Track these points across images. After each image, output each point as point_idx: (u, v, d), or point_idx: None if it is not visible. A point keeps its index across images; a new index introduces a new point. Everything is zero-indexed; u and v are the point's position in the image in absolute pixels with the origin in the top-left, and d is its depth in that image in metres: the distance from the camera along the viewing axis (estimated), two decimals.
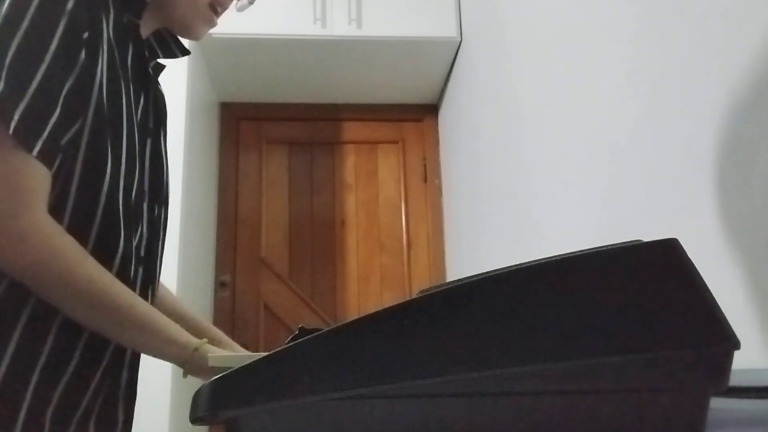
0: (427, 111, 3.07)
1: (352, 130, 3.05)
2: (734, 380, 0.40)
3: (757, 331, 0.80)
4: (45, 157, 0.70)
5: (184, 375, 0.79)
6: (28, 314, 0.73)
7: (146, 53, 0.90)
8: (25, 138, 0.68)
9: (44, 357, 0.73)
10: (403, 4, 2.56)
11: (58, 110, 0.71)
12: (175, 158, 2.21)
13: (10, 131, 0.67)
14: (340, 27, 2.51)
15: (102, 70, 0.77)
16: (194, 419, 0.40)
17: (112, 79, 0.79)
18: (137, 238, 0.84)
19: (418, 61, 2.69)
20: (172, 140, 2.28)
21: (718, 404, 0.41)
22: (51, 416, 0.73)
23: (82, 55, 0.74)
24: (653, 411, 0.39)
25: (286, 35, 2.46)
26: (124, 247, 0.79)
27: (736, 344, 0.38)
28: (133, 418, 0.87)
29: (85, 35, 0.75)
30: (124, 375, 0.84)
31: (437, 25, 2.55)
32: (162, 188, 0.92)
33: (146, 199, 0.87)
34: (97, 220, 0.77)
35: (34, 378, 0.72)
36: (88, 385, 0.77)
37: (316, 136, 3.03)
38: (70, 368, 0.75)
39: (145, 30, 0.91)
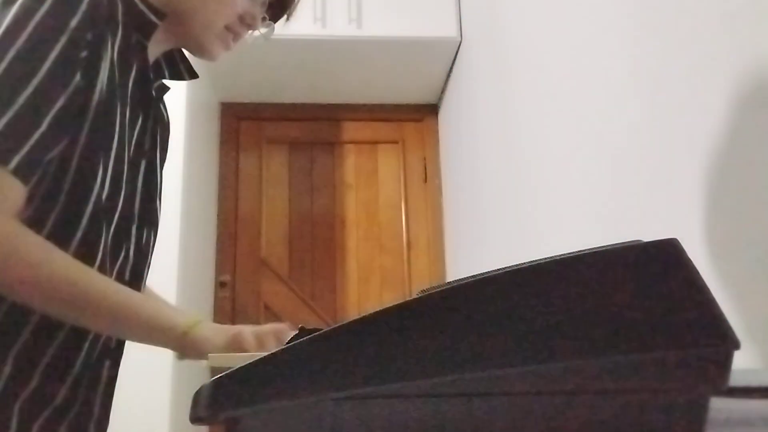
0: (427, 111, 3.07)
1: (352, 130, 3.05)
2: (734, 380, 0.40)
3: (757, 331, 0.80)
4: (22, 173, 0.70)
5: (179, 357, 0.78)
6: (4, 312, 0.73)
7: (150, 75, 0.89)
8: (2, 154, 0.68)
9: (18, 346, 0.73)
10: (403, 4, 2.56)
11: (43, 128, 0.71)
12: (175, 158, 2.22)
13: None
14: (340, 27, 2.51)
15: (102, 88, 0.77)
16: (194, 419, 0.40)
17: (110, 98, 0.79)
18: (121, 260, 0.84)
19: (418, 61, 2.69)
20: (172, 140, 2.29)
21: (718, 404, 0.41)
22: (19, 410, 0.73)
23: (78, 75, 0.74)
24: (653, 411, 0.39)
25: (286, 35, 2.45)
26: (100, 263, 0.79)
27: (736, 344, 0.38)
28: (108, 417, 0.86)
29: (83, 54, 0.75)
30: (104, 372, 0.84)
31: (437, 25, 2.55)
32: (153, 212, 0.92)
33: (135, 223, 0.87)
34: (77, 238, 0.76)
35: (7, 370, 0.72)
36: (63, 379, 0.77)
37: (316, 136, 3.03)
38: (45, 360, 0.75)
39: (156, 49, 0.90)
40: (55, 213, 0.75)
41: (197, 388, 0.40)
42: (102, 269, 0.80)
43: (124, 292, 0.76)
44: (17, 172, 0.69)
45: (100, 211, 0.78)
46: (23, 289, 0.70)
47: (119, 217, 0.82)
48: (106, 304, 0.73)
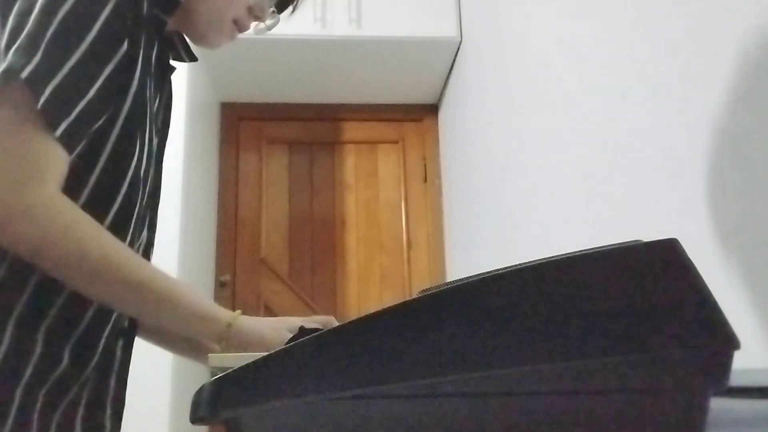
0: (427, 111, 3.07)
1: (352, 130, 3.05)
2: (734, 380, 0.40)
3: (757, 331, 0.80)
4: (66, 141, 0.67)
5: (223, 350, 0.75)
6: (24, 302, 0.71)
7: (168, 53, 0.88)
8: (51, 116, 0.65)
9: (39, 347, 0.71)
10: (403, 4, 2.56)
11: (91, 94, 0.68)
12: (175, 158, 2.22)
13: (39, 106, 0.64)
14: (340, 27, 2.51)
15: (140, 64, 0.75)
16: (194, 419, 0.40)
17: (145, 75, 0.77)
18: (140, 239, 0.84)
19: (418, 61, 2.69)
20: (172, 140, 2.29)
21: (718, 404, 0.41)
22: (46, 392, 0.72)
23: (125, 45, 0.72)
24: (653, 411, 0.39)
25: (286, 35, 2.46)
26: (129, 240, 0.78)
27: (736, 344, 0.38)
28: (125, 396, 0.85)
29: (129, 22, 0.73)
30: (118, 352, 0.83)
31: (437, 25, 2.55)
32: (158, 192, 0.91)
33: (146, 200, 0.87)
34: (112, 214, 0.75)
35: (28, 371, 0.71)
36: (79, 376, 0.76)
37: (316, 136, 3.03)
38: (63, 364, 0.74)
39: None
40: (88, 188, 0.72)
41: (197, 388, 0.40)
42: (132, 242, 0.78)
43: (171, 278, 0.74)
44: (63, 140, 0.66)
45: (138, 183, 0.77)
46: (70, 266, 0.67)
47: (142, 194, 0.81)
48: (154, 289, 0.70)
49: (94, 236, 0.68)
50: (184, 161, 2.25)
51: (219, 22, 0.88)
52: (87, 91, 0.68)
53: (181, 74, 2.24)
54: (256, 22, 0.93)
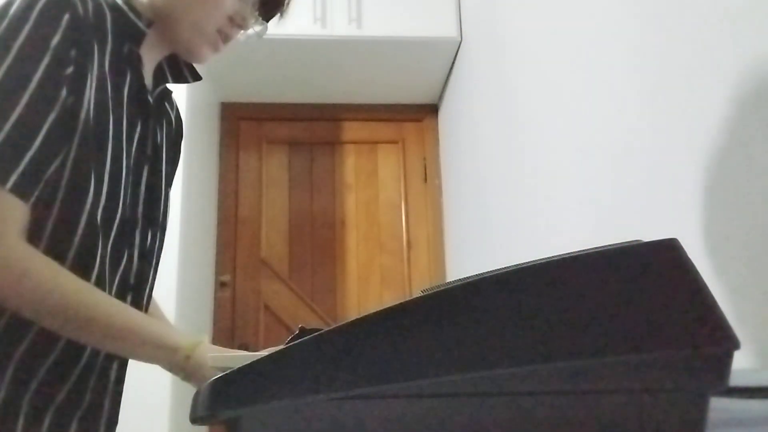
0: (427, 111, 3.07)
1: (352, 130, 3.05)
2: (734, 380, 0.40)
3: (757, 331, 0.80)
4: (20, 191, 0.71)
5: (183, 378, 0.78)
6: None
7: (145, 81, 0.89)
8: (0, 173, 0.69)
9: (24, 346, 0.74)
10: (403, 4, 2.56)
11: (37, 144, 0.72)
12: None
13: None
14: (340, 27, 2.51)
15: (89, 101, 0.78)
16: (194, 419, 0.40)
17: (101, 109, 0.80)
18: (123, 265, 0.84)
19: (418, 61, 2.69)
20: None
21: (718, 404, 0.41)
22: (27, 404, 0.74)
23: (64, 91, 0.75)
24: (653, 411, 0.39)
25: (286, 35, 2.46)
26: (98, 269, 0.80)
27: (736, 344, 0.38)
28: (118, 417, 0.87)
29: (69, 70, 0.75)
30: (112, 373, 0.85)
31: (437, 25, 2.55)
32: (156, 216, 0.92)
33: (138, 227, 0.87)
34: (74, 247, 0.77)
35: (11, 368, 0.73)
36: (66, 378, 0.78)
37: (316, 136, 3.03)
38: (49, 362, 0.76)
39: (157, 54, 0.91)
40: (50, 224, 0.76)
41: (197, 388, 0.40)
42: (101, 277, 0.80)
43: (129, 311, 0.78)
44: (16, 190, 0.70)
45: (96, 221, 0.79)
46: (32, 310, 0.72)
47: (120, 223, 0.83)
48: (111, 324, 0.74)
49: (54, 281, 0.72)
50: (184, 161, 2.25)
51: (202, 34, 0.89)
52: (31, 143, 0.72)
53: None
54: (241, 31, 0.94)
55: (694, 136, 0.94)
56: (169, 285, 2.13)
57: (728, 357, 0.38)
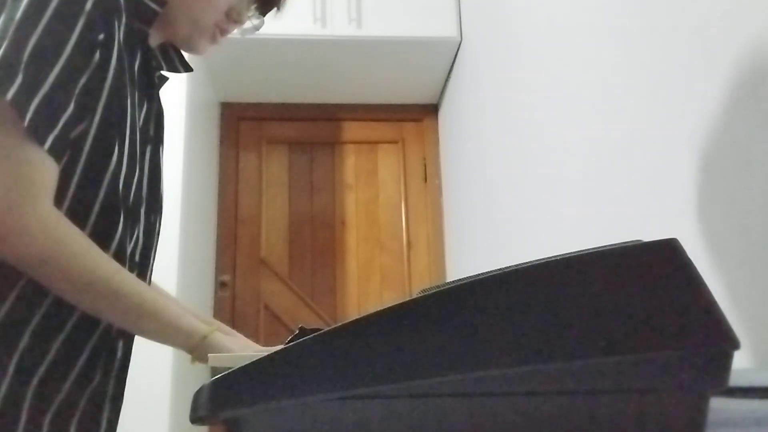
0: (427, 111, 3.07)
1: (352, 130, 3.05)
2: (734, 380, 0.40)
3: (757, 331, 0.80)
4: (55, 152, 0.71)
5: (192, 361, 0.80)
6: (13, 298, 0.73)
7: (153, 62, 0.91)
8: (38, 131, 0.69)
9: (26, 339, 0.74)
10: (403, 4, 2.56)
11: (71, 106, 0.73)
12: (175, 158, 2.22)
13: (25, 123, 0.68)
14: (340, 27, 2.51)
15: (112, 72, 0.79)
16: (194, 419, 0.40)
17: (120, 82, 0.81)
18: (132, 242, 0.85)
19: (418, 61, 2.69)
20: (172, 140, 2.29)
21: (718, 404, 0.41)
22: (38, 383, 0.74)
23: (97, 55, 0.76)
24: (653, 411, 0.39)
25: (286, 35, 2.46)
26: (118, 243, 0.80)
27: (736, 344, 0.38)
28: (123, 395, 0.87)
29: (101, 37, 0.77)
30: (119, 352, 0.85)
31: (437, 25, 2.55)
32: (158, 197, 0.93)
33: (143, 206, 0.88)
34: (94, 216, 0.77)
35: (15, 360, 0.72)
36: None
37: (316, 136, 3.03)
38: (49, 357, 0.75)
39: (152, 41, 0.91)
40: (70, 192, 0.76)
41: (197, 388, 0.40)
42: (120, 250, 0.80)
43: (154, 291, 0.79)
44: (53, 151, 0.71)
45: (116, 192, 0.79)
46: (59, 279, 0.71)
47: (133, 199, 0.83)
48: (137, 302, 0.75)
49: (84, 252, 0.72)
50: (184, 161, 2.25)
51: (200, 27, 0.91)
52: (68, 104, 0.72)
53: (182, 74, 2.23)
54: (239, 25, 0.96)
55: (695, 137, 0.94)
56: (169, 285, 2.12)
57: (728, 357, 0.39)
